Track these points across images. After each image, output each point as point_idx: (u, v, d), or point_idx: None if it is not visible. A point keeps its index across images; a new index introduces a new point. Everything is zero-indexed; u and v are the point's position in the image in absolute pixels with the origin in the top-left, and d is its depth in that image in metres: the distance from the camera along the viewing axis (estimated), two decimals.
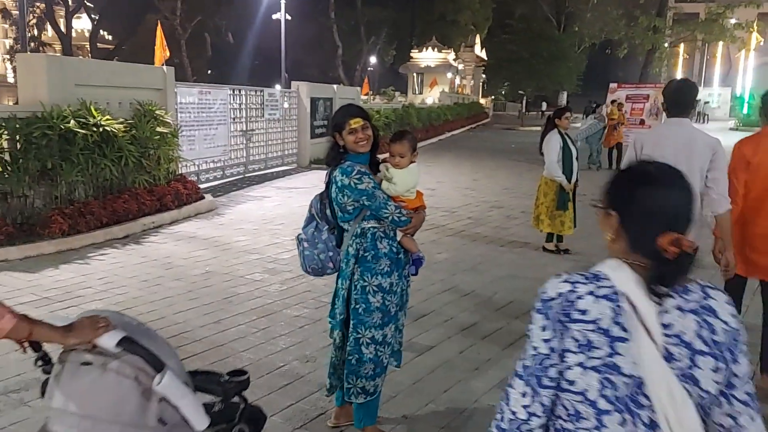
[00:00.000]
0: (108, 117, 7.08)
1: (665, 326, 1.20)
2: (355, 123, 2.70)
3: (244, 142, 11.46)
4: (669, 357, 1.19)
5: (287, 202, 9.27)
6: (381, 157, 2.93)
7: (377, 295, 2.74)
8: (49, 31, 37.82)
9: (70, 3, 34.25)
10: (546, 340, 1.25)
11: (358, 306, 2.75)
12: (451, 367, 3.68)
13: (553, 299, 1.26)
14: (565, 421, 1.26)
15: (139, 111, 7.91)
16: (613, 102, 15.37)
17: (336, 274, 2.88)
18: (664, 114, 4.11)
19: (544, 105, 41.57)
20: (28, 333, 1.43)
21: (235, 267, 5.70)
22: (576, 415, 1.24)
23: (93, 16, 37.83)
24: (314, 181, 11.21)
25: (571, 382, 1.22)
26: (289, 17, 25.06)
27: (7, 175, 6.07)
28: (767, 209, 3.25)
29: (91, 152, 6.80)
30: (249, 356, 3.78)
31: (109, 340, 1.43)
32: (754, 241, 3.29)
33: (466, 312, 4.62)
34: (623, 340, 1.19)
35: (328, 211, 2.83)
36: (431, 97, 30.98)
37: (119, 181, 7.38)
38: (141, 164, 7.60)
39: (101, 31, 39.42)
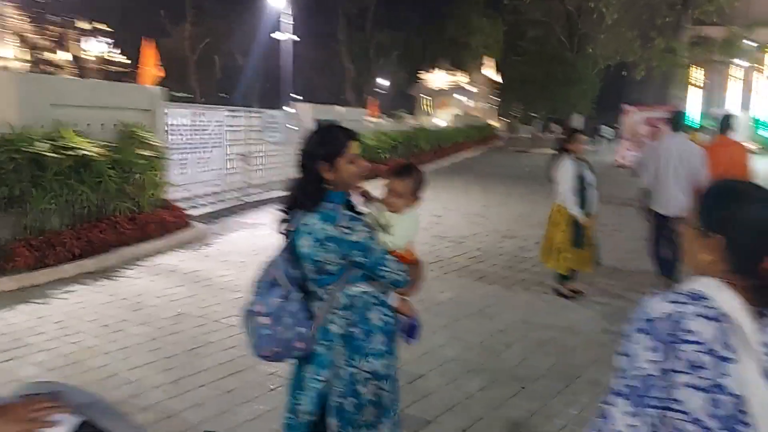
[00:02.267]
0: (86, 139, 6.55)
1: (764, 345, 1.20)
2: (358, 147, 2.06)
3: (242, 165, 10.93)
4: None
5: None
6: (354, 195, 2.28)
7: (369, 384, 2.04)
8: (65, 54, 38.14)
9: (82, 27, 34.54)
10: (653, 361, 1.22)
11: (343, 401, 2.03)
12: None
13: (658, 319, 1.23)
14: None
15: (123, 133, 7.39)
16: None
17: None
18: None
19: (554, 127, 40.82)
20: None
21: (212, 308, 5.05)
22: None
23: (107, 39, 38.16)
24: None
25: (678, 402, 1.21)
26: (297, 38, 24.82)
27: None
28: None
29: (67, 177, 6.26)
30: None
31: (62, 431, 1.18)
32: None
33: (472, 372, 3.90)
34: (731, 360, 1.19)
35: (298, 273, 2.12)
36: (442, 119, 30.54)
37: (98, 209, 6.81)
38: (123, 190, 7.04)
39: (116, 54, 39.72)
